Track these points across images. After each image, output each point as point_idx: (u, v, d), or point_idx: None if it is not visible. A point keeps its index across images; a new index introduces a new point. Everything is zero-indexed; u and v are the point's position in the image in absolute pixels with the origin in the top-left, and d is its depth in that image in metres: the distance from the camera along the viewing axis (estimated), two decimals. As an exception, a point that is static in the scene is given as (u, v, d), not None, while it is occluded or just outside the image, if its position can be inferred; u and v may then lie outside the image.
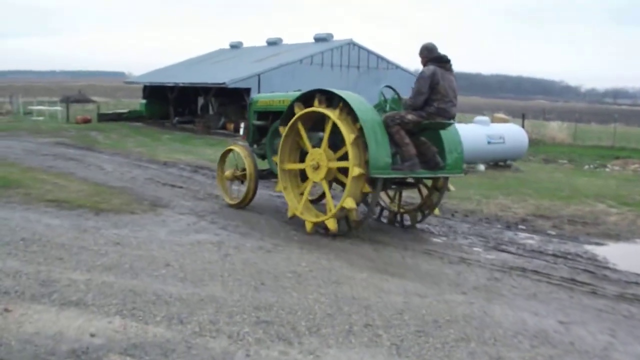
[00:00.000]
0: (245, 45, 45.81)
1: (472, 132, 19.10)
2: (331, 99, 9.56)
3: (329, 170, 9.47)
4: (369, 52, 36.70)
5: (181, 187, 13.53)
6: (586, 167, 24.60)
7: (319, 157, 9.53)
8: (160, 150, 22.07)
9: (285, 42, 42.45)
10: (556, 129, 36.76)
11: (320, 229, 9.64)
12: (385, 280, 7.28)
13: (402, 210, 11.01)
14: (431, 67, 9.31)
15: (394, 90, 10.31)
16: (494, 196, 14.00)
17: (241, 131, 14.16)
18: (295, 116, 9.82)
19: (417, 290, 7.01)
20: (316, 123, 9.87)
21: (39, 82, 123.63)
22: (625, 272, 8.38)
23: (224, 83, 30.59)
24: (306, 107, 9.79)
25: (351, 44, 36.21)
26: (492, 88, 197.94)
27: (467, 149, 18.53)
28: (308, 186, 9.88)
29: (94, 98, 64.54)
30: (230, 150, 11.78)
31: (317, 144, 9.78)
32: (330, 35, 38.24)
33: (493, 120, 24.38)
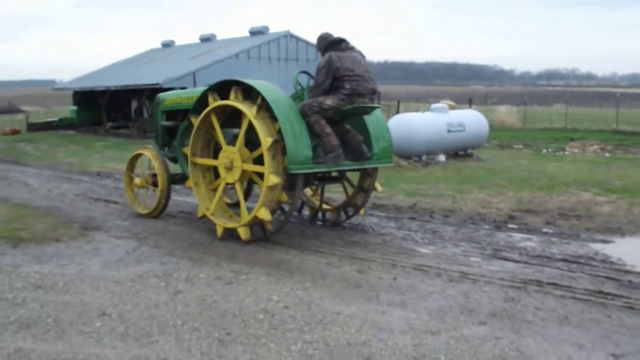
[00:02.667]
0: (177, 43, 44.13)
1: (431, 121, 17.86)
2: (248, 90, 8.42)
3: (244, 172, 8.52)
4: (308, 43, 35.38)
5: (117, 203, 11.71)
6: (544, 151, 23.71)
7: (233, 157, 8.52)
8: (93, 160, 20.23)
9: (219, 37, 40.91)
10: (505, 113, 35.96)
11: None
12: (382, 313, 5.75)
13: (324, 207, 10.09)
14: (325, 56, 8.53)
15: (310, 75, 9.20)
16: (467, 190, 12.66)
17: None
18: (208, 108, 8.71)
19: (424, 324, 5.51)
20: (232, 116, 8.72)
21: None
22: (651, 275, 7.08)
23: (157, 84, 29.05)
24: (221, 97, 8.66)
25: (288, 35, 34.93)
26: (426, 75, 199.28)
27: (427, 139, 17.50)
28: (221, 185, 8.80)
29: (25, 107, 62.27)
30: (140, 154, 10.73)
31: (232, 141, 8.67)
32: (266, 28, 36.88)
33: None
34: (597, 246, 8.47)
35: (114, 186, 14.12)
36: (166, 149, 10.81)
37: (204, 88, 9.17)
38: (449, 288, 6.52)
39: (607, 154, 22.12)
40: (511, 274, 7.07)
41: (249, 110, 8.05)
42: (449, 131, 18.05)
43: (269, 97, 8.00)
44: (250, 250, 8.10)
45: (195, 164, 9.11)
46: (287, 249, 8.17)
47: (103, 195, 12.73)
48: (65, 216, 10.35)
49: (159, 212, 10.20)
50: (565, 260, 7.72)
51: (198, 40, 41.36)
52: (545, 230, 9.44)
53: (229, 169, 8.51)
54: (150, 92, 31.59)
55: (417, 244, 8.50)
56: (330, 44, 8.69)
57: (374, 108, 8.76)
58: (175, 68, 32.78)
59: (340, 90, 8.33)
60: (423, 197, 11.96)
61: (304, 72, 9.27)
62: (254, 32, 37.02)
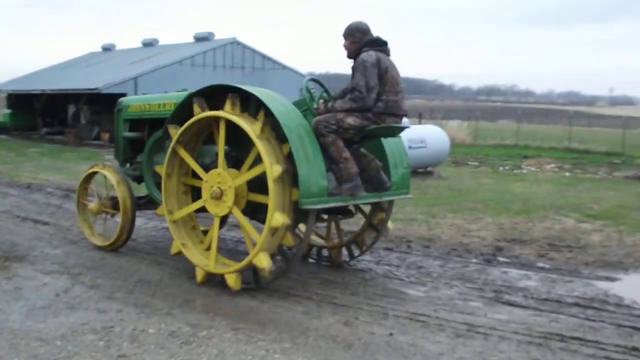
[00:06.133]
0: (118, 47, 42.51)
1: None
2: (244, 100, 6.59)
3: (238, 196, 6.56)
4: (254, 51, 34.36)
5: (47, 224, 10.14)
6: (500, 168, 23.05)
7: (220, 180, 6.59)
8: (25, 168, 18.54)
9: (162, 42, 39.48)
10: (456, 129, 35.32)
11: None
12: (387, 388, 4.52)
13: (322, 243, 8.39)
14: (372, 53, 6.78)
15: (321, 85, 7.56)
16: (439, 214, 11.56)
17: None
18: (194, 119, 6.76)
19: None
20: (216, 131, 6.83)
21: None
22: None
23: (96, 88, 27.75)
24: (210, 107, 6.75)
25: (235, 42, 33.80)
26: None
27: (388, 155, 16.34)
28: (215, 228, 6.84)
29: (-49, 110, 59.32)
30: (95, 172, 8.69)
31: (213, 163, 7.01)
32: (212, 34, 35.67)
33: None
34: (604, 285, 7.50)
35: (45, 202, 12.56)
36: (128, 165, 8.98)
37: (184, 93, 7.44)
38: (458, 347, 5.31)
39: (567, 173, 21.54)
40: (524, 325, 5.92)
41: (251, 128, 6.28)
42: (409, 147, 16.95)
43: (276, 111, 6.26)
44: (208, 293, 6.62)
45: (170, 185, 7.16)
46: (252, 291, 6.67)
47: (32, 213, 11.16)
48: (-17, 241, 8.78)
49: (121, 244, 8.37)
50: (578, 305, 6.65)
51: (140, 45, 39.81)
52: (540, 264, 8.40)
53: (218, 198, 6.67)
54: (88, 97, 30.12)
55: (404, 284, 7.25)
56: (370, 42, 6.95)
57: (402, 129, 7.14)
58: (116, 73, 31.36)
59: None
60: (393, 221, 10.67)
61: (314, 80, 7.55)
62: (199, 38, 35.74)
